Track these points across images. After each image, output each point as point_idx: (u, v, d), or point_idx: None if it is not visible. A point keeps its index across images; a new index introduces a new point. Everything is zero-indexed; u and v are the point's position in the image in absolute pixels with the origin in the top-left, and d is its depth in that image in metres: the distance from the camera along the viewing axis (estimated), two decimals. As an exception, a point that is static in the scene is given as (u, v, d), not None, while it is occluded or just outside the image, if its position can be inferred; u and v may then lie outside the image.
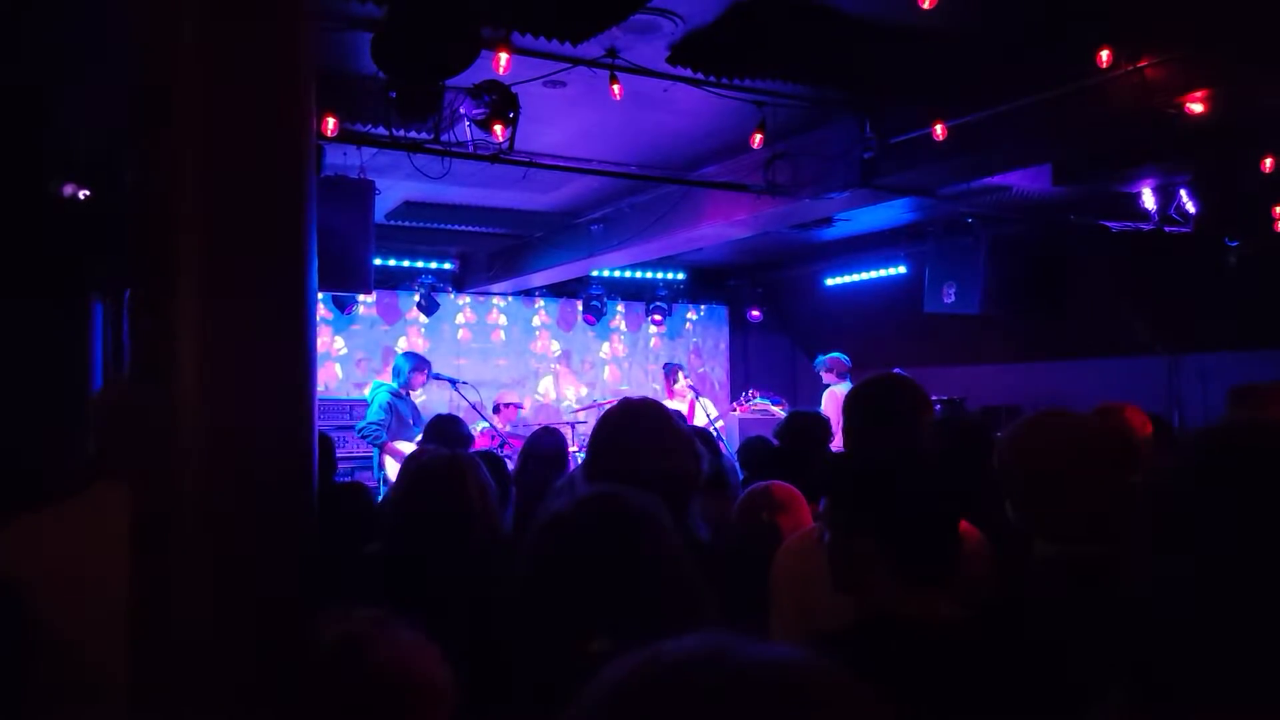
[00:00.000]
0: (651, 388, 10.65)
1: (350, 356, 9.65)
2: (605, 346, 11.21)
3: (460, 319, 10.36)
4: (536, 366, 10.74)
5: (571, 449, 6.19)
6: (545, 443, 4.13)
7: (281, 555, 1.35)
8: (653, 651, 0.66)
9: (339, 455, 7.76)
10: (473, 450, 4.42)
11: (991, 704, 1.38)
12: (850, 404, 2.52)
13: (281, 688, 1.30)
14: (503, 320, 10.60)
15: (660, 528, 1.29)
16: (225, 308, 1.31)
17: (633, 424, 2.14)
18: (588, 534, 1.28)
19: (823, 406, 7.67)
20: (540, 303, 10.77)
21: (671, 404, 7.60)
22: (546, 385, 10.77)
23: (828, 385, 8.20)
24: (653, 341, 11.43)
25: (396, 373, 7.27)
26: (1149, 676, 0.93)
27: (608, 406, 2.42)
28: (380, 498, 5.79)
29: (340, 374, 9.61)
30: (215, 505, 1.31)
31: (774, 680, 0.63)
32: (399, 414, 7.05)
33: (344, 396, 9.12)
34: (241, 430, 1.33)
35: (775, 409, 9.01)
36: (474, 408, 7.70)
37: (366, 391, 8.19)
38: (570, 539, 1.29)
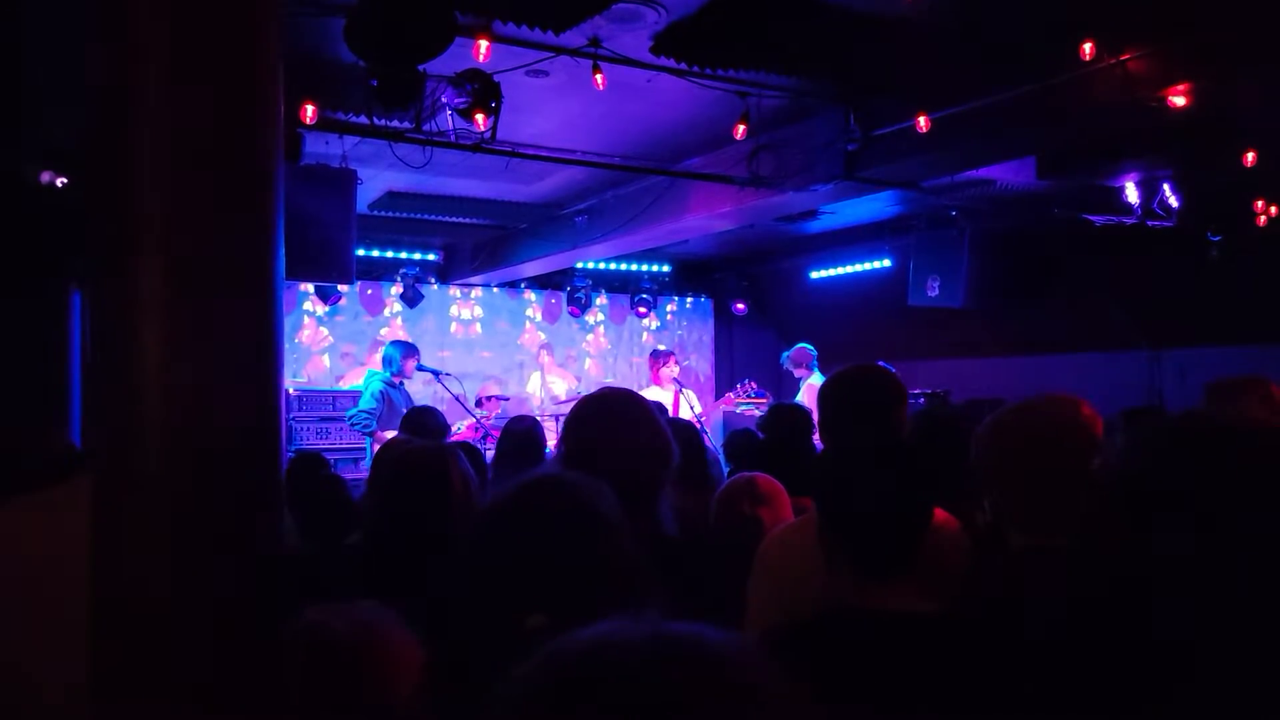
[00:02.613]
0: (636, 382, 10.59)
1: (335, 348, 9.57)
2: (589, 339, 11.17)
3: (446, 311, 10.30)
4: (520, 359, 10.69)
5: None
6: (517, 429, 4.13)
7: (245, 545, 1.33)
8: (590, 634, 0.66)
9: (322, 447, 7.70)
10: (450, 441, 4.40)
11: (955, 696, 1.37)
12: (824, 396, 2.48)
13: (251, 677, 1.28)
14: (486, 312, 10.54)
15: (598, 512, 1.28)
16: (188, 292, 1.28)
17: (603, 414, 2.13)
18: (523, 517, 1.28)
19: (800, 399, 7.66)
20: (529, 295, 10.72)
21: (654, 391, 7.57)
22: (534, 382, 10.69)
23: (800, 379, 8.20)
24: (640, 335, 11.40)
25: (388, 361, 7.15)
26: None
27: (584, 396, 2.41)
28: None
29: (326, 364, 9.53)
30: (177, 492, 1.28)
31: (706, 670, 0.64)
32: (391, 403, 6.94)
33: (324, 388, 9.04)
34: (205, 416, 1.31)
35: (757, 403, 8.99)
36: (457, 399, 7.65)
37: (359, 381, 8.11)
38: (506, 522, 1.28)
